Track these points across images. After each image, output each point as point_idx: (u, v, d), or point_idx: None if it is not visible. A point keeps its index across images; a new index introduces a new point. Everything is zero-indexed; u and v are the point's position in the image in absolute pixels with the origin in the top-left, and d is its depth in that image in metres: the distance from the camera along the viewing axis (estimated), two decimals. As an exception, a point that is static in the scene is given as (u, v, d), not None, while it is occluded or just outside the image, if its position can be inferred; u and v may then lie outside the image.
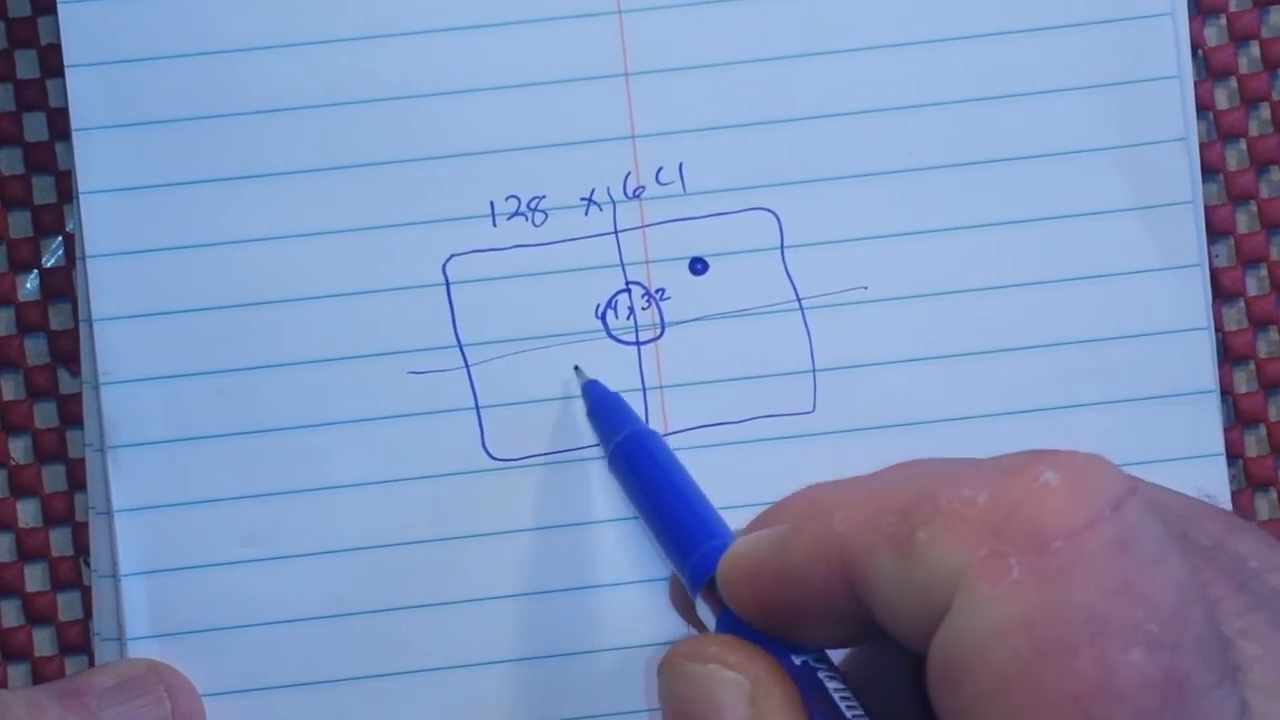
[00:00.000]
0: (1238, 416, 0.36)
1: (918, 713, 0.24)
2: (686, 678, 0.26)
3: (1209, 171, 0.36)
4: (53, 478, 0.36)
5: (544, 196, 0.35)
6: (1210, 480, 0.34)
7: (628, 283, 0.35)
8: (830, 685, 0.25)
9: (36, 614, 0.35)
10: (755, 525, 0.27)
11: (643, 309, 0.35)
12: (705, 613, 0.28)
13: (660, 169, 0.35)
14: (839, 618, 0.24)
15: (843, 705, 0.25)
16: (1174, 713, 0.21)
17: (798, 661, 0.25)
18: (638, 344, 0.35)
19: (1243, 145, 0.37)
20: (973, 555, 0.22)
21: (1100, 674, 0.21)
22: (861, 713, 0.25)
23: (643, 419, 0.34)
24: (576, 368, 0.35)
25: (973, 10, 0.35)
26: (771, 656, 0.25)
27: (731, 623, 0.27)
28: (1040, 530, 0.21)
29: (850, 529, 0.23)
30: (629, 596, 0.34)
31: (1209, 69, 0.37)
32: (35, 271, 0.36)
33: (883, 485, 0.24)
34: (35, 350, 0.36)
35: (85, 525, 0.35)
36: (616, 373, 0.34)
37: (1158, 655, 0.21)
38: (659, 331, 0.35)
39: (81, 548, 0.35)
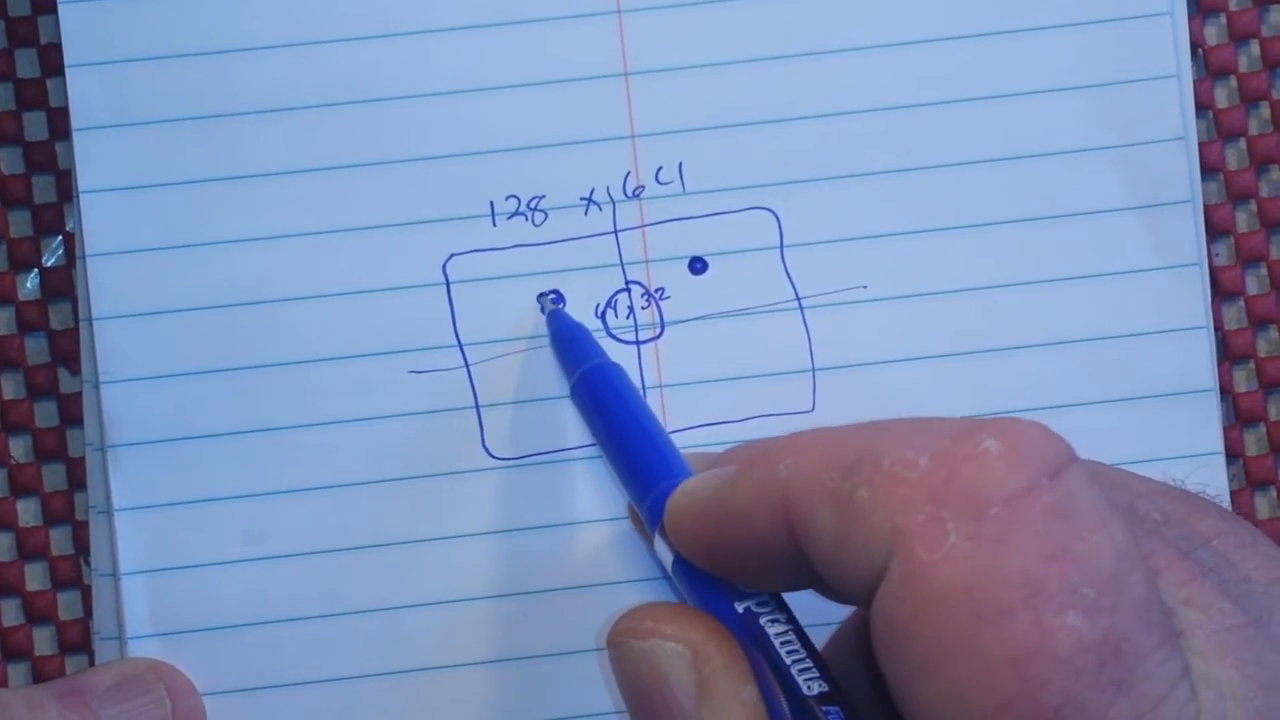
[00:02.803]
0: (1237, 415, 0.36)
1: (866, 652, 0.24)
2: (631, 655, 0.26)
3: (1209, 170, 0.36)
4: (53, 477, 0.36)
5: (544, 196, 0.35)
6: (1210, 480, 0.34)
7: (627, 282, 0.35)
8: (773, 631, 0.25)
9: (36, 613, 0.35)
10: (712, 465, 0.27)
11: (642, 308, 0.35)
12: (663, 550, 0.28)
13: (660, 168, 0.35)
14: (783, 563, 0.24)
15: (784, 652, 0.25)
16: (1111, 674, 0.21)
17: (740, 609, 0.25)
18: (637, 343, 0.35)
19: (1242, 144, 0.37)
20: (911, 519, 0.22)
21: (1036, 637, 0.21)
22: (804, 656, 0.25)
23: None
24: (540, 295, 0.34)
25: (971, 10, 0.35)
26: (710, 617, 0.26)
27: (684, 563, 0.27)
28: (978, 496, 0.22)
29: (794, 477, 0.23)
30: (629, 596, 0.34)
31: (1208, 68, 0.37)
32: (35, 270, 0.36)
33: (832, 438, 0.24)
34: (35, 349, 0.36)
35: (85, 524, 0.35)
36: (616, 372, 0.34)
37: (1094, 618, 0.21)
38: (659, 331, 0.35)
39: (82, 547, 0.35)
